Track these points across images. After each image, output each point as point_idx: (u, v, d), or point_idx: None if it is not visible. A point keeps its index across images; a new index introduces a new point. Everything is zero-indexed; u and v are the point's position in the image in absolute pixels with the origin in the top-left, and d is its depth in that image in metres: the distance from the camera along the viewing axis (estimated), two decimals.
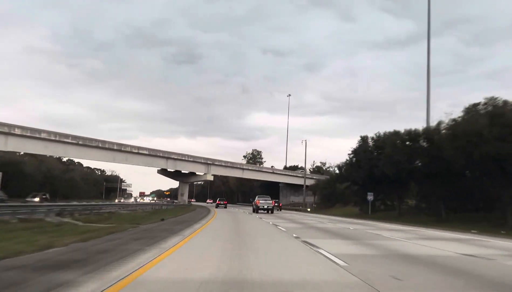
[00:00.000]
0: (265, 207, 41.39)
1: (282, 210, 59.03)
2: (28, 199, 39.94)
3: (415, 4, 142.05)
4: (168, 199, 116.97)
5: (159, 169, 73.98)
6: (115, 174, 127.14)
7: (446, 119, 29.75)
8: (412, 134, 35.32)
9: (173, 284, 5.58)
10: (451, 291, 5.93)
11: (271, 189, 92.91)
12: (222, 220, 24.21)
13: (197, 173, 75.80)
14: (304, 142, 74.14)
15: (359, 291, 5.53)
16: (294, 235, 14.48)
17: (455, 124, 28.25)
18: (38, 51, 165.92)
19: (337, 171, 57.61)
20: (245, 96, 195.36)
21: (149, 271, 6.31)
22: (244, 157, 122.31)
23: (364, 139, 45.28)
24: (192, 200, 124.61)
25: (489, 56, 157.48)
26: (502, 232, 21.40)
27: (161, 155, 67.11)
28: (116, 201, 71.47)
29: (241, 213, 40.21)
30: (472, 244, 13.73)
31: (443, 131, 30.25)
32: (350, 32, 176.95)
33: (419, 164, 34.56)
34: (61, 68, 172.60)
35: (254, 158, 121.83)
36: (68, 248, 8.78)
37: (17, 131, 45.28)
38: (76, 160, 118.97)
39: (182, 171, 74.71)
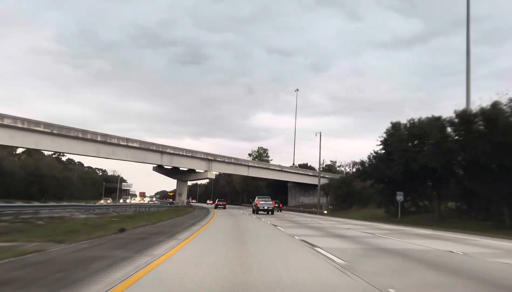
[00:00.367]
0: (265, 207, 40.61)
1: (296, 212, 54.98)
2: None
3: (423, 3, 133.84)
4: (170, 200, 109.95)
5: (154, 166, 65.93)
6: (117, 174, 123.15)
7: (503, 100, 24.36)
8: (466, 116, 27.19)
9: None
10: None
11: (279, 189, 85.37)
12: (217, 230, 16.24)
13: (197, 170, 67.46)
14: (318, 135, 65.33)
15: None
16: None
17: None
18: (44, 51, 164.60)
19: (354, 168, 49.87)
20: (250, 97, 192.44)
21: None
22: (249, 155, 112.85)
23: (395, 126, 36.94)
24: (193, 201, 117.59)
25: (497, 56, 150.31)
26: None
27: (154, 148, 57.96)
28: (102, 201, 63.77)
29: (241, 214, 37.62)
30: None
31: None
32: (357, 32, 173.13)
33: (476, 154, 26.50)
34: (66, 69, 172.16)
35: (260, 156, 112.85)
36: None
37: None
38: (76, 159, 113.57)
39: (180, 168, 66.35)
